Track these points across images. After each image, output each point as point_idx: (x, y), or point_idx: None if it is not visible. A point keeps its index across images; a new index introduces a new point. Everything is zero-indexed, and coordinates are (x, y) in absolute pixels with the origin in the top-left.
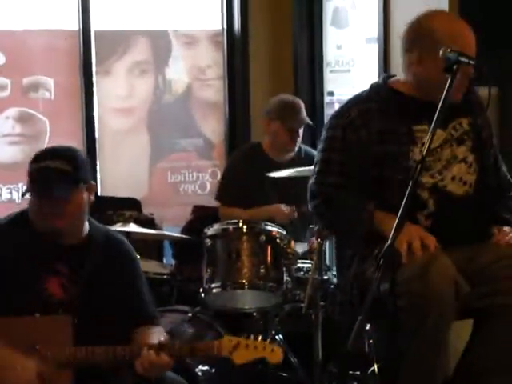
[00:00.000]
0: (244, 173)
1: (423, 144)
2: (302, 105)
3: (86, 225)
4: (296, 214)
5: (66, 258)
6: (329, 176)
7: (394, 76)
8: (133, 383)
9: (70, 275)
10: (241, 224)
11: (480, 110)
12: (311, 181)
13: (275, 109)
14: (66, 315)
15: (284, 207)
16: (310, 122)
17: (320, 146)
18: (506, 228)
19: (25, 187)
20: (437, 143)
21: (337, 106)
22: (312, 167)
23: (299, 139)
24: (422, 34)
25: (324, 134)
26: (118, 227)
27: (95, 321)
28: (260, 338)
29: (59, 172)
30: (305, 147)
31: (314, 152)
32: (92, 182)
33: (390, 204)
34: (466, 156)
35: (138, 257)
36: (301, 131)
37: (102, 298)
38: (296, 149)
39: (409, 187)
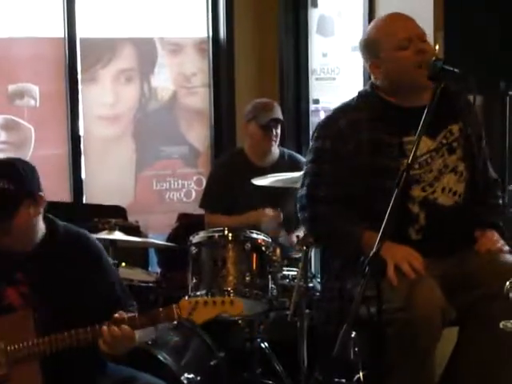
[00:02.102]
0: (227, 179)
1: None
2: (277, 105)
3: (42, 228)
4: (281, 216)
5: (22, 266)
6: (319, 189)
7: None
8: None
9: (28, 282)
10: (226, 232)
11: (468, 111)
12: (300, 192)
13: (250, 110)
14: (25, 310)
15: (269, 211)
16: (281, 118)
17: (309, 157)
18: (488, 232)
19: None
20: (426, 154)
21: (322, 114)
22: (295, 173)
23: (275, 138)
24: (364, 47)
25: (312, 144)
26: (104, 235)
27: (62, 321)
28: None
29: (1, 193)
30: (288, 151)
31: (298, 156)
32: (40, 194)
33: (380, 214)
34: (457, 165)
35: (123, 264)
36: (277, 131)
37: (65, 298)
38: (274, 149)
39: (393, 195)
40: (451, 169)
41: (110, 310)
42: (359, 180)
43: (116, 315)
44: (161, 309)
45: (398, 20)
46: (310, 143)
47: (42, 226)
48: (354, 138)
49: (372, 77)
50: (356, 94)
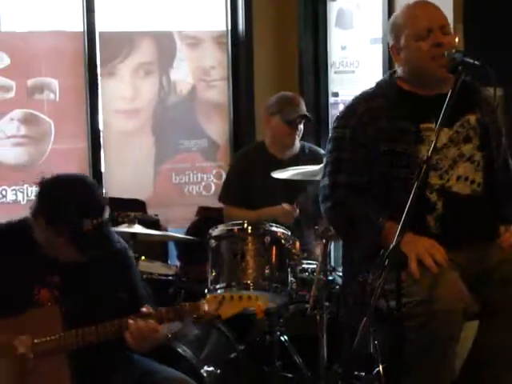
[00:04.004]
0: (247, 172)
1: (431, 142)
2: (302, 100)
3: None
4: (298, 211)
5: (62, 270)
6: (340, 176)
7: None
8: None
9: (62, 288)
10: (246, 225)
11: (488, 109)
12: (322, 183)
13: (274, 103)
14: (53, 306)
15: (286, 205)
16: (309, 115)
17: (328, 147)
18: None
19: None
20: (443, 141)
21: (341, 107)
22: (314, 166)
23: (299, 133)
24: (390, 28)
25: (332, 133)
26: (123, 228)
27: (89, 322)
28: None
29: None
30: (308, 144)
31: (318, 149)
32: None
33: (398, 203)
34: (473, 154)
35: (142, 257)
36: (301, 127)
37: (94, 301)
38: (296, 143)
39: (413, 188)
40: (467, 158)
41: (134, 311)
42: (378, 168)
43: (143, 309)
44: (187, 304)
45: (424, 8)
46: (330, 134)
47: None
48: (372, 126)
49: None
50: (374, 83)
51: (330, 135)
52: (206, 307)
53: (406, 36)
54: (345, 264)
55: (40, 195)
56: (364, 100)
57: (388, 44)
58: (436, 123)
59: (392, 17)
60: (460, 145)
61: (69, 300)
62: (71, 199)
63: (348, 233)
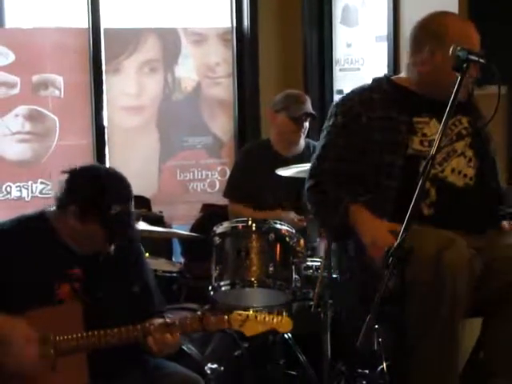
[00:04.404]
0: (252, 168)
1: (423, 134)
2: (308, 98)
3: None
4: (305, 224)
5: (81, 262)
6: (325, 161)
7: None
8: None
9: (82, 279)
10: (250, 222)
11: (478, 115)
12: (310, 166)
13: (281, 100)
14: (74, 303)
15: (294, 216)
16: (314, 113)
17: (322, 135)
18: None
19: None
20: (435, 134)
21: None
22: None
23: (304, 130)
24: (433, 32)
25: (326, 122)
26: None
27: (106, 318)
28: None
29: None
30: (313, 142)
31: None
32: None
33: (390, 191)
34: (465, 151)
35: (147, 254)
36: (306, 124)
37: (113, 297)
38: (301, 141)
39: (419, 185)
40: (459, 153)
41: (146, 306)
42: (367, 156)
43: (168, 320)
44: (212, 316)
45: (474, 30)
46: (324, 124)
47: None
48: (365, 115)
49: (410, 66)
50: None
51: (324, 125)
52: (231, 323)
53: (443, 52)
54: (342, 260)
55: (69, 185)
56: (359, 92)
57: (413, 47)
58: (429, 118)
59: (432, 22)
60: (452, 140)
61: (89, 293)
62: (100, 185)
63: (318, 212)
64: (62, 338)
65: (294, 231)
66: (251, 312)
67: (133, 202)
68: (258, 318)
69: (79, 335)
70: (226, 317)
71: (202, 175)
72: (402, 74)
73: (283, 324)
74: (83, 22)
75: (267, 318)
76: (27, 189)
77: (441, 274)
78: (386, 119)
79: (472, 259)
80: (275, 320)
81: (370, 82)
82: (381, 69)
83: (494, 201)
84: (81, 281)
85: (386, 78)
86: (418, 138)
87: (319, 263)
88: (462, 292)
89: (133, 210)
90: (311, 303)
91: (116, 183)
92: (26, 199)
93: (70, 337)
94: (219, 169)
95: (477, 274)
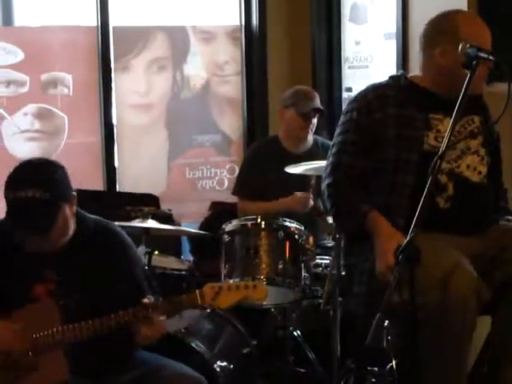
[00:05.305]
0: (260, 165)
1: (438, 131)
2: (317, 94)
3: (73, 226)
4: (312, 200)
5: (50, 263)
6: (343, 156)
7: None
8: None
9: (56, 279)
10: (259, 220)
11: (489, 115)
12: (327, 162)
13: (289, 96)
14: (48, 300)
15: (298, 193)
16: (322, 108)
17: (337, 131)
18: None
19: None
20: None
21: None
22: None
23: (312, 127)
24: (446, 30)
25: (341, 118)
26: (137, 223)
27: (87, 314)
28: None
29: (40, 203)
30: (321, 139)
31: (331, 144)
32: (73, 194)
33: (406, 188)
34: (478, 149)
35: (156, 252)
36: (315, 120)
37: (91, 293)
38: (310, 137)
39: (428, 183)
40: (473, 151)
41: (133, 304)
42: (383, 152)
43: (145, 300)
44: (184, 295)
45: (486, 29)
46: (340, 119)
47: (73, 224)
48: (380, 111)
49: (424, 64)
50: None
51: (339, 121)
52: (203, 297)
53: (453, 50)
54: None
55: None
56: (375, 88)
57: (425, 45)
58: (444, 116)
59: (446, 19)
60: (467, 139)
61: (65, 293)
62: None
63: (337, 215)
64: (39, 335)
65: (303, 228)
66: (224, 283)
67: (56, 188)
68: (231, 288)
69: (54, 330)
70: (198, 291)
71: (210, 173)
72: (418, 73)
73: (257, 291)
74: (92, 20)
75: (240, 287)
76: None
77: (448, 304)
78: (401, 116)
79: (479, 288)
80: (248, 287)
81: (386, 78)
82: (389, 66)
83: (498, 199)
84: (54, 281)
85: (404, 75)
86: (433, 133)
87: (328, 261)
88: (471, 323)
89: (47, 196)
90: (320, 301)
91: (20, 169)
92: None
93: (46, 333)
94: (228, 167)
95: (486, 300)
